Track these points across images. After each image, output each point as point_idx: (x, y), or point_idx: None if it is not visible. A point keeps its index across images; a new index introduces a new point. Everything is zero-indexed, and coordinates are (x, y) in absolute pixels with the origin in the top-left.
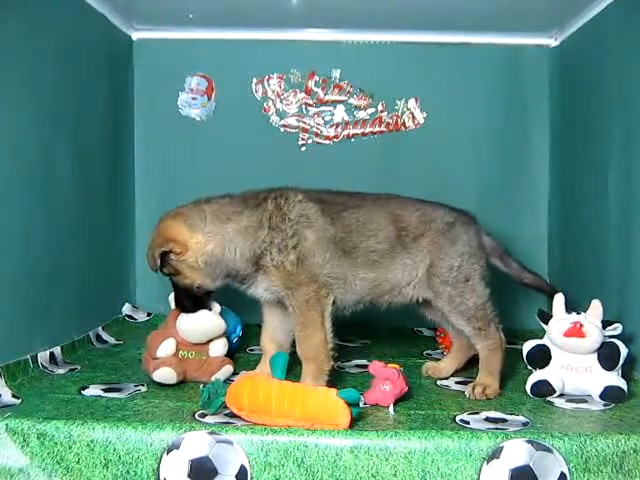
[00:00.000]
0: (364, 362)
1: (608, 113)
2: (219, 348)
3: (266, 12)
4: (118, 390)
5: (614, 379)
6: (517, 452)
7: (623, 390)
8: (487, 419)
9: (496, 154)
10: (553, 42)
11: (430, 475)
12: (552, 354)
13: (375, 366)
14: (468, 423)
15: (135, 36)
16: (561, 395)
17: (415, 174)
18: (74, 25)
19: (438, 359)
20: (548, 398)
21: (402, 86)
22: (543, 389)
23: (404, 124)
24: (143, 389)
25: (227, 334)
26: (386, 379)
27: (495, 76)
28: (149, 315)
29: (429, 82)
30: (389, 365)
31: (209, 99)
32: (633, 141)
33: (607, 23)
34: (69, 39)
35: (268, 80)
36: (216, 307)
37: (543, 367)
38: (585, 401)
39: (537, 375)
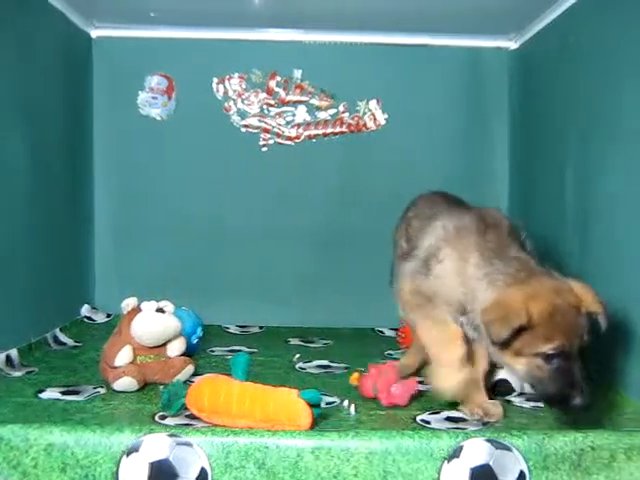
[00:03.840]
0: (325, 363)
1: (565, 114)
2: (177, 347)
3: (228, 11)
4: (76, 393)
5: None
6: (477, 451)
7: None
8: (448, 419)
9: (457, 155)
10: (513, 45)
11: (391, 475)
12: None
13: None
14: (429, 423)
15: (94, 34)
16: (521, 394)
17: (377, 174)
18: (31, 22)
19: (399, 359)
20: (507, 397)
21: (363, 87)
22: (502, 388)
23: (365, 125)
24: (102, 391)
25: (186, 334)
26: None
27: (456, 77)
28: (109, 316)
29: (390, 83)
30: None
31: (169, 98)
32: (589, 142)
33: (566, 26)
34: (26, 36)
35: (229, 80)
36: (169, 307)
37: (502, 367)
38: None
39: (497, 374)
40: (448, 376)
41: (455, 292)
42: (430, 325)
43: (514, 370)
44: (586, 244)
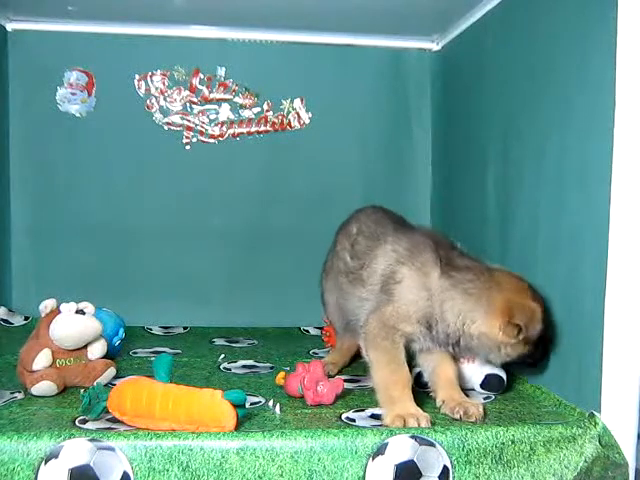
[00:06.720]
0: (251, 363)
1: (487, 115)
2: (98, 350)
3: (150, 7)
4: None
5: (495, 368)
6: (401, 448)
7: (503, 379)
8: (372, 416)
9: (380, 155)
10: (435, 46)
11: (316, 474)
12: None
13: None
14: (354, 421)
15: (10, 27)
16: None
17: (301, 174)
18: None
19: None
20: (431, 392)
21: (287, 86)
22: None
23: (289, 124)
24: (19, 396)
25: (108, 336)
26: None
27: (379, 78)
28: (26, 319)
29: (314, 82)
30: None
31: (89, 95)
32: (509, 141)
33: (486, 29)
34: None
35: (151, 77)
36: (89, 308)
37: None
38: (467, 395)
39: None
40: (400, 409)
41: (421, 306)
42: (384, 364)
43: (508, 355)
44: (506, 250)
